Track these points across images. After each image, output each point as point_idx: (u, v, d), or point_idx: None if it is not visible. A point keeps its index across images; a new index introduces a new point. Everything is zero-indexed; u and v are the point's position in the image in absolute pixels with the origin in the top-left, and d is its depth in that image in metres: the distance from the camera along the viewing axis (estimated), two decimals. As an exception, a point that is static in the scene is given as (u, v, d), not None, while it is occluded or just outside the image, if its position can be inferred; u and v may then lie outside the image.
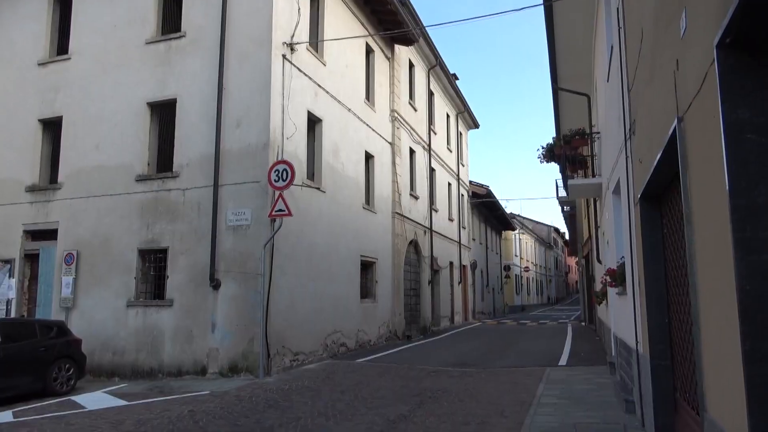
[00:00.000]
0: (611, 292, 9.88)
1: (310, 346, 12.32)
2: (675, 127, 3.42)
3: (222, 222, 11.27)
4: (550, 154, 12.35)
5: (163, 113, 12.66)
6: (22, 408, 8.44)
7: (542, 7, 10.47)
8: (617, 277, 7.70)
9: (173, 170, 11.94)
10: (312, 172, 13.37)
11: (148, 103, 12.48)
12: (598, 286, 13.48)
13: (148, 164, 12.47)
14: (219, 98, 11.57)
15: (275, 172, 10.73)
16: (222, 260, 11.14)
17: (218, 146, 11.43)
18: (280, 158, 11.32)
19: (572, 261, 68.33)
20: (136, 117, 12.50)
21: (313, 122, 13.49)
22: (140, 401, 8.71)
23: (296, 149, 12.23)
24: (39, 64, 13.74)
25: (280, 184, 10.65)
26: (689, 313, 4.24)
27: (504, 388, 9.21)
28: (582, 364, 11.89)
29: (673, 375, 5.05)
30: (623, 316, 7.82)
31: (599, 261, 13.60)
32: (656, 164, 4.15)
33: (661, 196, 5.11)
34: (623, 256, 7.45)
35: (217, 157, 11.40)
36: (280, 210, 10.63)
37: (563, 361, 12.57)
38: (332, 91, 14.19)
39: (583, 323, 25.12)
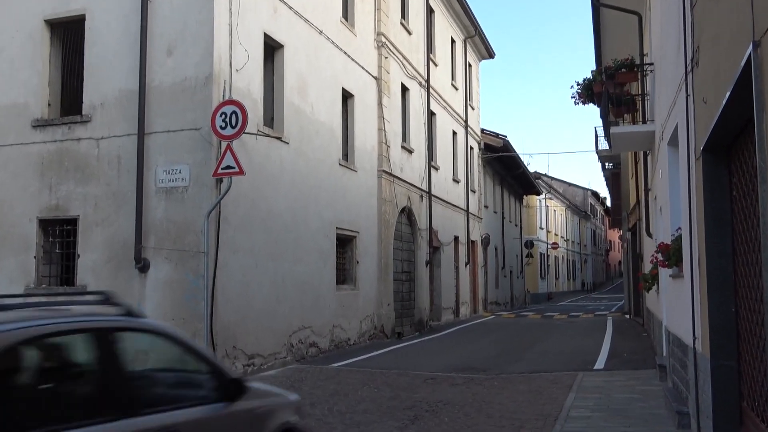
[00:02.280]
0: (663, 274, 10.05)
1: (270, 347, 12.45)
2: (750, 54, 3.44)
3: (150, 183, 11.19)
4: (587, 92, 12.34)
5: (68, 35, 12.39)
6: None
7: None
8: (671, 255, 7.82)
9: (83, 113, 11.77)
10: (271, 117, 13.26)
11: (46, 21, 12.21)
12: (646, 267, 13.68)
13: (49, 104, 12.27)
14: (143, 14, 11.33)
15: (221, 115, 10.62)
16: (151, 233, 11.12)
17: (143, 80, 11.26)
18: (227, 97, 11.19)
19: (615, 235, 69.09)
20: (30, 40, 12.23)
21: (272, 49, 13.31)
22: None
23: (249, 85, 12.09)
24: None
25: (229, 131, 10.56)
26: (762, 300, 4.34)
27: (523, 399, 9.42)
28: (624, 367, 12.17)
29: (740, 379, 5.19)
30: (678, 306, 7.98)
31: (649, 234, 13.78)
32: (724, 105, 4.18)
33: (731, 148, 5.16)
34: (680, 228, 7.55)
35: (142, 95, 11.25)
36: (229, 167, 10.56)
37: (600, 363, 12.86)
38: (297, 6, 13.98)
39: (627, 315, 25.61)
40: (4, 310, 3.69)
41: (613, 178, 27.23)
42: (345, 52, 16.29)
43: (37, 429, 3.38)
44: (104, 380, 3.85)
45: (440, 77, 24.34)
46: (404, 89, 20.54)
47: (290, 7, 13.70)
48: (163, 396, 4.45)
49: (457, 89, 26.80)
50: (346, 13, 16.82)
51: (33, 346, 3.68)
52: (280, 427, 4.97)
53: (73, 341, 3.91)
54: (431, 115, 22.95)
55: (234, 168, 10.54)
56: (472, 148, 28.95)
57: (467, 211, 27.29)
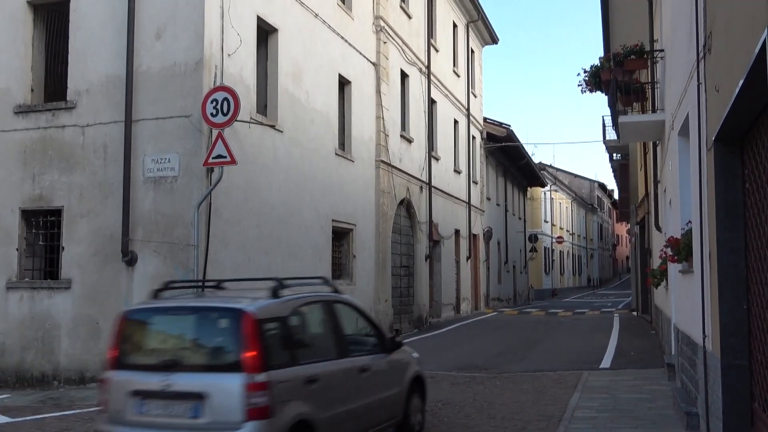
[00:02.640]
0: (673, 269, 10.07)
1: (263, 344, 12.46)
2: (764, 40, 3.43)
3: (138, 172, 11.18)
4: (595, 80, 12.33)
5: (52, 17, 12.35)
6: None
7: None
8: (681, 249, 7.83)
9: (67, 99, 11.74)
10: (264, 104, 13.24)
11: (29, 3, 12.17)
12: (655, 263, 13.70)
13: (32, 90, 12.24)
14: (131, -4, 11.33)
15: (212, 102, 10.61)
16: (139, 225, 11.11)
17: (131, 65, 11.23)
18: (219, 83, 11.17)
19: (622, 229, 69.17)
20: (12, 22, 12.19)
21: (266, 33, 13.28)
22: (29, 417, 8.78)
23: (242, 71, 12.07)
24: None
25: (220, 119, 10.55)
26: (775, 296, 4.35)
27: (525, 399, 9.46)
28: (631, 366, 12.22)
29: (751, 379, 5.21)
30: (687, 302, 8.00)
31: (658, 228, 13.80)
32: (738, 93, 4.17)
33: (744, 138, 5.16)
34: (690, 221, 7.56)
35: (129, 81, 11.22)
36: (220, 156, 10.55)
37: (606, 362, 12.91)
38: (292, -12, 13.94)
39: (635, 313, 25.68)
40: (286, 288, 6.04)
41: (621, 170, 27.22)
42: (342, 37, 16.24)
43: (306, 359, 5.83)
44: (332, 332, 6.48)
45: (441, 63, 24.29)
46: (404, 76, 20.49)
47: (285, -11, 13.66)
48: (356, 346, 6.88)
49: (458, 76, 26.75)
50: (343, -5, 16.77)
51: (302, 310, 6.16)
52: (414, 374, 7.57)
53: (317, 307, 6.54)
54: (432, 103, 22.91)
55: (225, 157, 10.53)
56: (474, 137, 28.92)
57: (469, 203, 27.29)
